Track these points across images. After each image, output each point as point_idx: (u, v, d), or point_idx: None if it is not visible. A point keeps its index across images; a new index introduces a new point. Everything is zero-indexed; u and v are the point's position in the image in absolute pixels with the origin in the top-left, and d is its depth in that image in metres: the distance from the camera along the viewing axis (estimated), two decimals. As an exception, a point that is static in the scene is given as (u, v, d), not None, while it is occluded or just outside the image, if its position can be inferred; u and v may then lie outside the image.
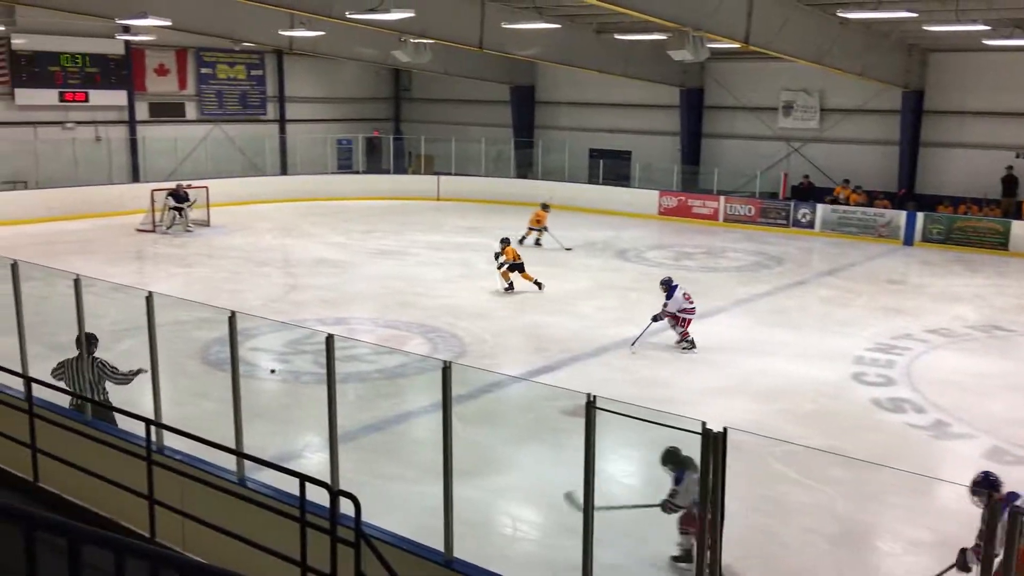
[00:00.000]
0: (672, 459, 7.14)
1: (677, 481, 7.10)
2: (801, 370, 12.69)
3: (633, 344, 13.48)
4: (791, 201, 25.78)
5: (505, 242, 17.50)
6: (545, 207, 22.70)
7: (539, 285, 17.15)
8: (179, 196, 23.73)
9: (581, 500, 5.22)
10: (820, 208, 24.81)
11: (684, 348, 13.49)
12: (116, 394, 8.64)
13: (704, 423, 4.60)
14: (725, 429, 4.58)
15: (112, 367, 8.55)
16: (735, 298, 17.14)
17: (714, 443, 4.63)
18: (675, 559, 7.60)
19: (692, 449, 4.82)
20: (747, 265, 20.60)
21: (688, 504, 6.98)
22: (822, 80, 25.90)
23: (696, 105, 29.10)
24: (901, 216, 23.76)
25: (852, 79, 23.52)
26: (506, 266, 16.96)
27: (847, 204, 24.79)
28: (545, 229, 22.14)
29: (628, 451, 9.45)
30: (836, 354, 13.45)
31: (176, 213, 23.65)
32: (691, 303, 13.57)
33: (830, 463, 9.41)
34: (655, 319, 13.52)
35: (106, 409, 8.13)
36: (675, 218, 27.14)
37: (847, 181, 25.62)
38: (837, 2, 18.90)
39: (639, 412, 5.07)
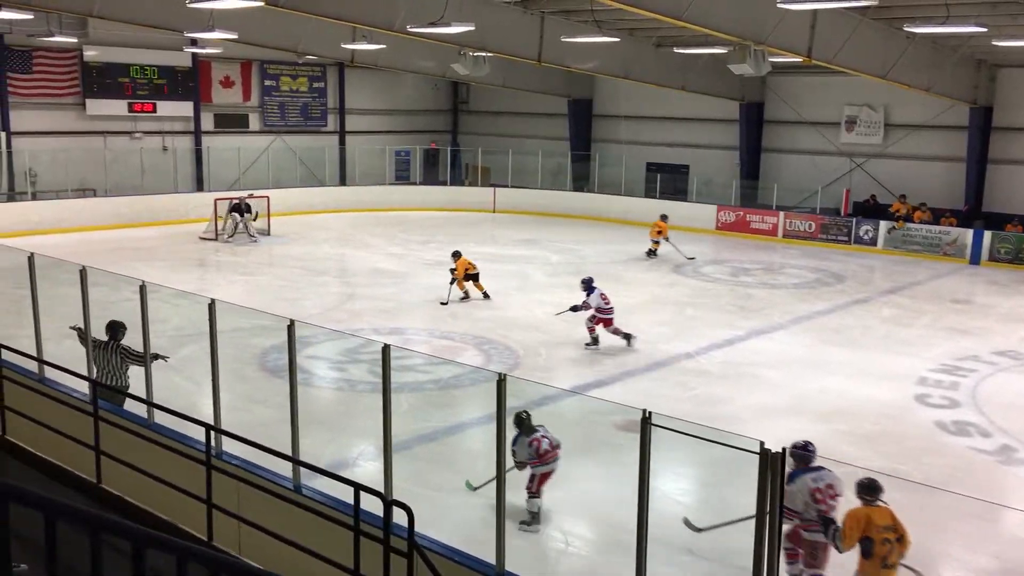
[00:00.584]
0: (517, 420, 8.29)
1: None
2: (862, 390, 12.42)
3: (558, 314, 14.88)
4: (853, 217, 25.31)
5: (456, 255, 17.67)
6: (664, 217, 23.04)
7: (486, 295, 17.47)
8: (240, 208, 24.21)
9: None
10: (883, 225, 24.34)
11: (588, 345, 14.13)
12: (168, 392, 8.80)
13: (762, 443, 4.52)
14: (784, 449, 4.51)
15: (134, 352, 8.77)
16: (794, 315, 16.87)
17: (772, 463, 4.55)
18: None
19: (748, 466, 4.73)
20: (807, 282, 20.27)
21: (524, 459, 8.20)
22: (887, 95, 25.42)
23: (756, 119, 28.79)
24: (968, 234, 23.17)
25: (918, 94, 23.05)
26: (455, 282, 17.27)
27: (907, 220, 24.18)
28: (666, 239, 22.31)
29: (683, 469, 9.34)
30: (898, 374, 13.14)
31: (237, 223, 24.13)
32: (608, 304, 14.15)
33: (891, 486, 9.14)
34: (574, 309, 14.39)
35: (117, 393, 8.52)
36: (733, 233, 26.85)
37: (904, 197, 25.08)
38: (904, 16, 18.54)
39: (695, 429, 5.00)
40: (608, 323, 14.15)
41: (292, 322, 6.70)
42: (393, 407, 6.28)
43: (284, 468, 6.77)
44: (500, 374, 5.60)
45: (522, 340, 14.52)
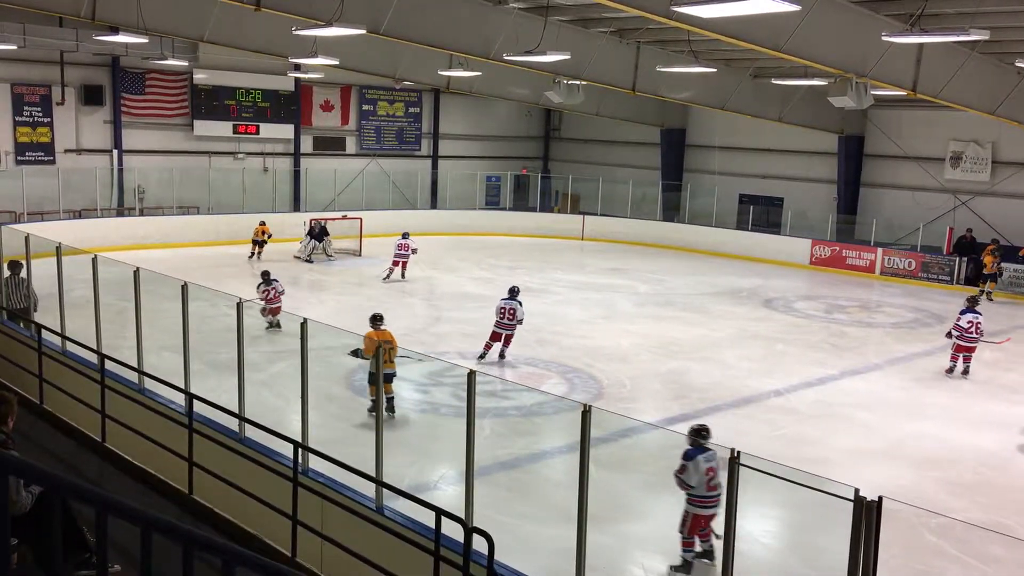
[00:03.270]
0: (694, 435, 7.66)
1: (687, 456, 7.53)
2: (962, 437, 11.89)
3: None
4: (956, 256, 24.38)
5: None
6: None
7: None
8: (314, 232, 24.78)
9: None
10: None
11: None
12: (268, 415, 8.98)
13: (857, 490, 4.36)
14: (880, 498, 4.33)
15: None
16: (891, 356, 16.30)
17: (867, 511, 4.38)
18: (674, 569, 7.77)
19: (839, 514, 4.57)
20: (905, 321, 19.58)
21: (696, 484, 7.44)
22: (995, 131, 24.50)
23: (855, 153, 28.09)
24: (1080, 278, 22.05)
25: (1029, 131, 22.16)
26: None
27: (995, 278, 22.70)
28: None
29: (769, 510, 9.08)
30: (1001, 422, 12.55)
31: (314, 247, 24.70)
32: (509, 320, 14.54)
33: (991, 540, 8.73)
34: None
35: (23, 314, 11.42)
36: (827, 268, 26.18)
37: (996, 246, 23.54)
38: (1015, 52, 17.90)
39: (784, 472, 4.86)
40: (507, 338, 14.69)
41: (380, 346, 6.78)
42: (475, 432, 6.28)
43: (367, 488, 6.83)
44: (585, 405, 5.56)
45: (606, 370, 14.40)
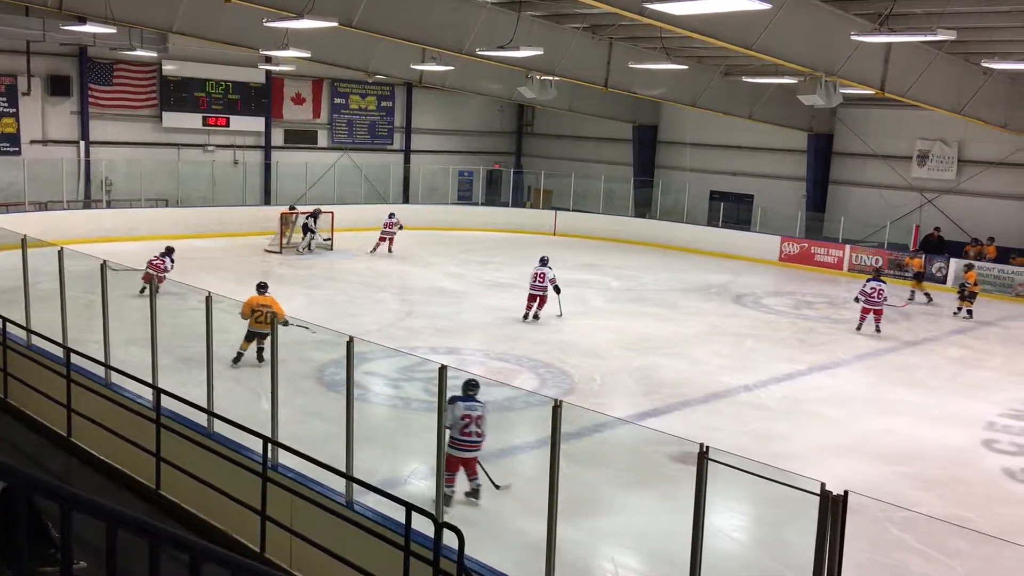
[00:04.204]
0: (464, 386, 8.79)
1: (450, 401, 8.34)
2: (927, 432, 12.06)
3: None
4: (922, 253, 24.69)
5: (968, 267, 19.93)
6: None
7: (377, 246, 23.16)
8: (308, 225, 24.93)
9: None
10: (954, 263, 23.68)
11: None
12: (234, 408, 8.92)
13: (823, 484, 4.41)
14: (846, 492, 4.39)
15: None
16: (858, 352, 16.49)
17: (833, 506, 4.44)
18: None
19: (806, 508, 4.62)
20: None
21: (451, 425, 8.48)
22: (962, 130, 24.84)
23: (824, 151, 28.36)
24: (1043, 276, 22.42)
25: (994, 131, 22.48)
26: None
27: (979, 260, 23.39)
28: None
29: (738, 505, 9.16)
30: (966, 418, 12.74)
31: (312, 236, 24.73)
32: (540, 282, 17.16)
33: (954, 534, 8.87)
34: (556, 290, 17.34)
35: None
36: (796, 265, 26.43)
37: (977, 241, 24.29)
38: (981, 52, 18.16)
39: (753, 467, 4.91)
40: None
41: (351, 339, 6.76)
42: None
43: (337, 484, 6.81)
44: (556, 400, 5.57)
45: (578, 365, 14.45)
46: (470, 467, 8.87)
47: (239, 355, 12.89)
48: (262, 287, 13.46)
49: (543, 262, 17.69)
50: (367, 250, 24.88)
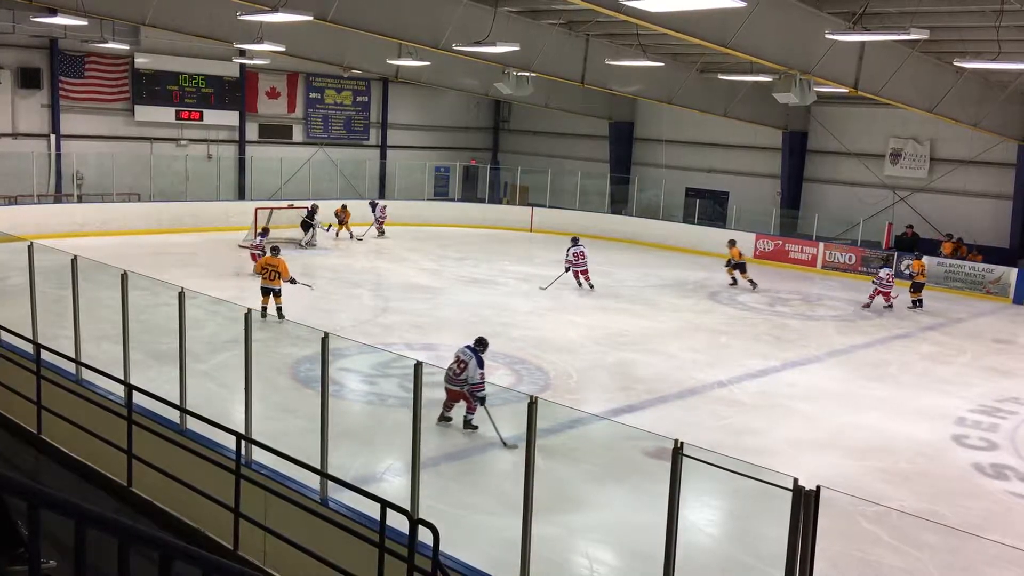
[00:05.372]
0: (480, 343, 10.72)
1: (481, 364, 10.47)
2: (898, 427, 12.19)
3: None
4: (895, 251, 24.96)
5: (732, 243, 22.11)
6: (732, 242, 22.60)
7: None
8: (307, 222, 25.24)
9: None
10: (926, 260, 23.93)
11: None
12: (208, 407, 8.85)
13: (796, 479, 4.44)
14: (818, 487, 4.42)
15: None
16: (831, 348, 16.64)
17: (806, 500, 4.47)
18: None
19: (779, 503, 4.66)
20: (845, 315, 19.99)
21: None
22: (934, 129, 25.12)
23: (799, 148, 28.57)
24: (1012, 273, 22.73)
25: (966, 129, 22.75)
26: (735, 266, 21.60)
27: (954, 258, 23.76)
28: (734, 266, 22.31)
29: (712, 500, 9.22)
30: (936, 413, 12.89)
31: (313, 231, 24.88)
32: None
33: (924, 528, 8.98)
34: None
35: None
36: (771, 262, 26.61)
37: (950, 236, 24.66)
38: (954, 51, 18.35)
39: (727, 462, 4.94)
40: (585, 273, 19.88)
41: (327, 335, 6.72)
42: (422, 423, 6.27)
43: (312, 480, 6.78)
44: (531, 397, 5.57)
45: (554, 361, 14.47)
46: (467, 401, 10.51)
47: (263, 310, 15.49)
48: (275, 250, 16.39)
49: (575, 242, 20.86)
50: (358, 237, 27.02)
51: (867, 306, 20.23)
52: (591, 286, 20.51)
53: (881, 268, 20.80)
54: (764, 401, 13.10)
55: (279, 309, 15.73)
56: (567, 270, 20.50)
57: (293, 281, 15.90)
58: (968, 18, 16.22)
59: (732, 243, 22.46)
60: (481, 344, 10.86)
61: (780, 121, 27.53)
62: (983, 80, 21.13)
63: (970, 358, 16.62)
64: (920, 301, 20.95)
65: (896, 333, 18.41)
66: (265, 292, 15.77)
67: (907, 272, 21.89)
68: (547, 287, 19.99)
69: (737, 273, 22.13)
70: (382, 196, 32.83)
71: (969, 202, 25.47)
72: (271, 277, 15.67)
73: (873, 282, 20.72)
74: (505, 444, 10.01)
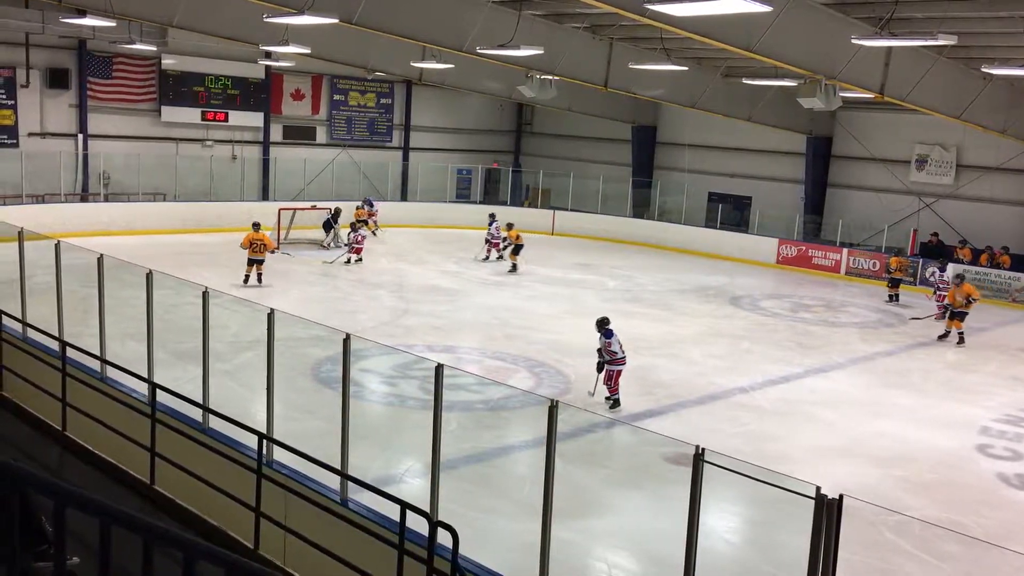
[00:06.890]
0: (602, 324, 12.27)
1: (609, 336, 12.19)
2: (921, 436, 12.08)
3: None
4: (920, 258, 24.74)
5: (509, 226, 23.26)
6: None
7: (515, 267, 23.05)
8: (330, 223, 25.51)
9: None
10: (951, 267, 23.69)
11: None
12: (228, 406, 8.91)
13: (818, 488, 4.41)
14: (841, 496, 4.39)
15: None
16: (853, 355, 16.51)
17: (828, 509, 4.44)
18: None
19: (801, 511, 4.63)
20: (869, 322, 19.83)
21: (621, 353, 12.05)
22: (960, 135, 24.88)
23: (823, 154, 28.38)
24: (1039, 281, 22.45)
25: (993, 136, 22.51)
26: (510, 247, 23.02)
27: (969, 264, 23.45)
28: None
29: (731, 507, 9.17)
30: (960, 422, 12.76)
31: (335, 233, 25.09)
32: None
33: (947, 538, 8.89)
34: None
35: None
36: (794, 268, 26.46)
37: (964, 242, 24.45)
38: (981, 57, 18.17)
39: (748, 469, 4.91)
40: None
41: (348, 336, 6.74)
42: (442, 425, 6.28)
43: (332, 481, 6.80)
44: (553, 401, 5.57)
45: (574, 365, 14.44)
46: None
47: (246, 277, 18.84)
48: (256, 225, 19.32)
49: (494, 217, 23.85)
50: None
51: (940, 317, 19.23)
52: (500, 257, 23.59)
53: (937, 271, 20.71)
54: (785, 408, 13.02)
55: (259, 276, 18.96)
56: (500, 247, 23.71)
57: (273, 251, 19.52)
58: (996, 24, 16.07)
59: (510, 226, 23.67)
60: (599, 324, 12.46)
61: (804, 126, 27.35)
62: (1011, 86, 20.91)
63: (996, 367, 16.44)
64: (893, 296, 21.85)
65: (919, 341, 18.24)
66: (251, 263, 18.84)
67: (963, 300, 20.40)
68: (481, 259, 23.78)
69: (507, 252, 23.57)
70: (404, 198, 32.96)
71: (995, 209, 25.19)
72: (258, 249, 18.79)
73: (937, 287, 20.22)
74: (592, 395, 12.15)
